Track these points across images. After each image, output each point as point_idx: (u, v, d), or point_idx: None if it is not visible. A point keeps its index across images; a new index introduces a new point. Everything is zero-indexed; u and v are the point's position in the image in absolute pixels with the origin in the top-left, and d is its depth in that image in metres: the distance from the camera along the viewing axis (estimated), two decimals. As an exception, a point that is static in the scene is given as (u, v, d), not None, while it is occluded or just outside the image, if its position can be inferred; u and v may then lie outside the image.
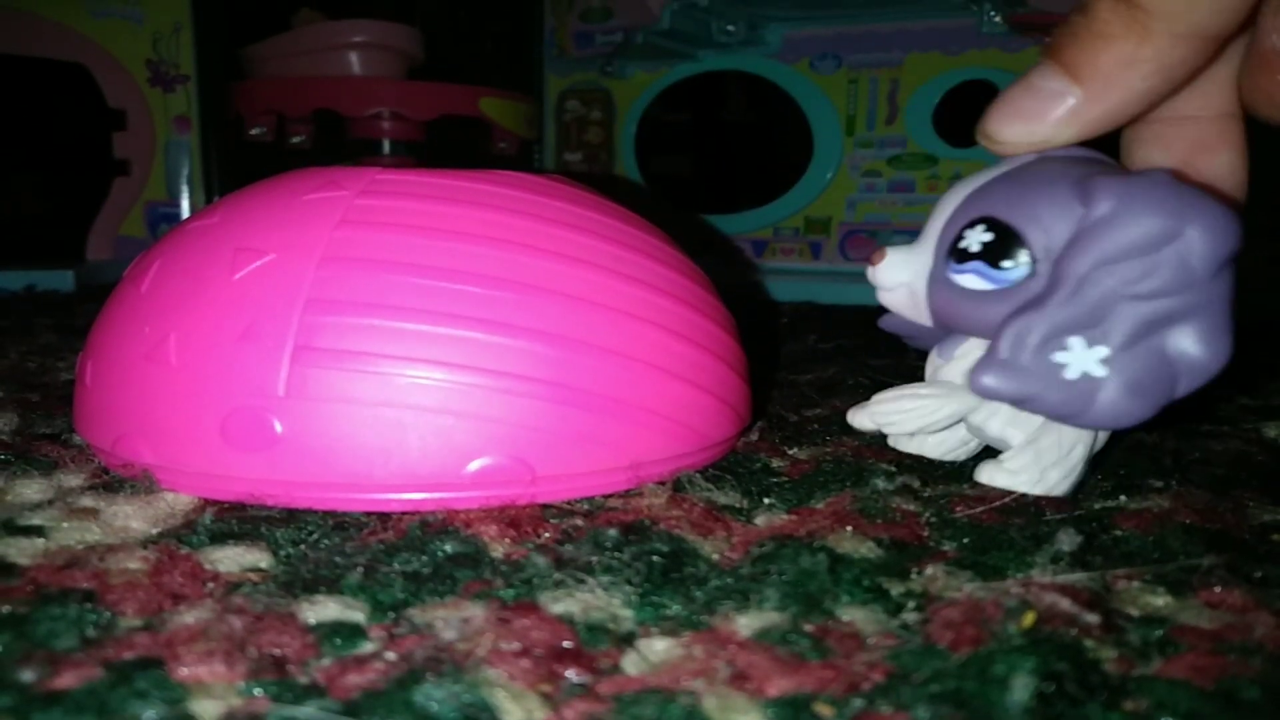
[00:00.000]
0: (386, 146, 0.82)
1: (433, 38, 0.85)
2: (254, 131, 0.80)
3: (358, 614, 0.19)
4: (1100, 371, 0.22)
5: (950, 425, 0.27)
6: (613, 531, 0.22)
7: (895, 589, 0.20)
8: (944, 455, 0.28)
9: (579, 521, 0.24)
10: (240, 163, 0.85)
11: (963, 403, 0.26)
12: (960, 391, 0.26)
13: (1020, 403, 0.23)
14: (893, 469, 0.28)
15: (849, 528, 0.23)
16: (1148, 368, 0.22)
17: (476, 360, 0.23)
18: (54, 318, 0.55)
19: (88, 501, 0.24)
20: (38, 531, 0.22)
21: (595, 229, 0.27)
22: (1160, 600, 0.20)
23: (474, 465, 0.23)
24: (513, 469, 0.23)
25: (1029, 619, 0.18)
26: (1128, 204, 0.22)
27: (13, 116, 0.92)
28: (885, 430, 0.27)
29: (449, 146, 0.86)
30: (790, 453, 0.30)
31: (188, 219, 0.28)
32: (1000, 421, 0.25)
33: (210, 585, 0.20)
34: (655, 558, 0.21)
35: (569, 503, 0.25)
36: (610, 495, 0.25)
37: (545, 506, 0.24)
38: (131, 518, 0.23)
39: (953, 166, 0.78)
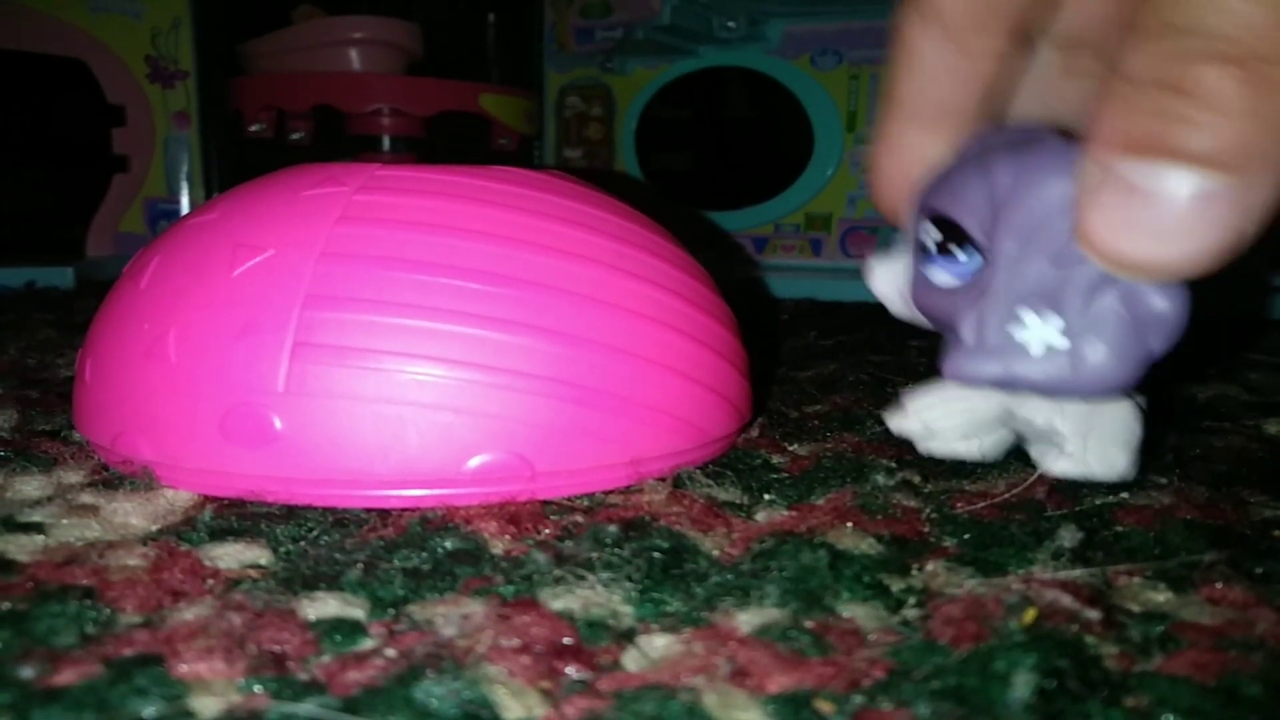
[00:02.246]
0: (386, 143, 0.82)
1: (432, 34, 0.85)
2: (253, 128, 0.80)
3: (358, 611, 0.19)
4: (1062, 342, 0.22)
5: (991, 423, 0.26)
6: (613, 528, 0.22)
7: (896, 585, 0.20)
8: (982, 455, 0.26)
9: (579, 518, 0.24)
10: (240, 159, 0.85)
11: (1000, 398, 0.25)
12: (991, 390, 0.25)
13: (1004, 384, 0.23)
14: (893, 465, 0.28)
15: (849, 524, 0.23)
16: (1111, 328, 0.22)
17: (476, 356, 0.23)
18: (54, 314, 0.55)
19: (87, 498, 0.24)
20: (37, 528, 0.22)
21: (595, 225, 0.26)
22: (1161, 596, 0.20)
23: (474, 461, 0.23)
24: (513, 465, 0.23)
25: (1030, 615, 0.18)
26: (1025, 175, 0.22)
27: (12, 113, 0.92)
28: (933, 429, 0.26)
29: (449, 143, 0.86)
30: (791, 449, 0.30)
31: (187, 215, 0.28)
32: (1047, 410, 0.24)
33: (210, 582, 0.20)
34: (655, 554, 0.21)
35: (569, 499, 0.25)
36: (610, 491, 0.25)
37: (545, 503, 0.24)
38: (131, 514, 0.23)
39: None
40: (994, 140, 0.24)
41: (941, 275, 0.24)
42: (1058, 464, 0.24)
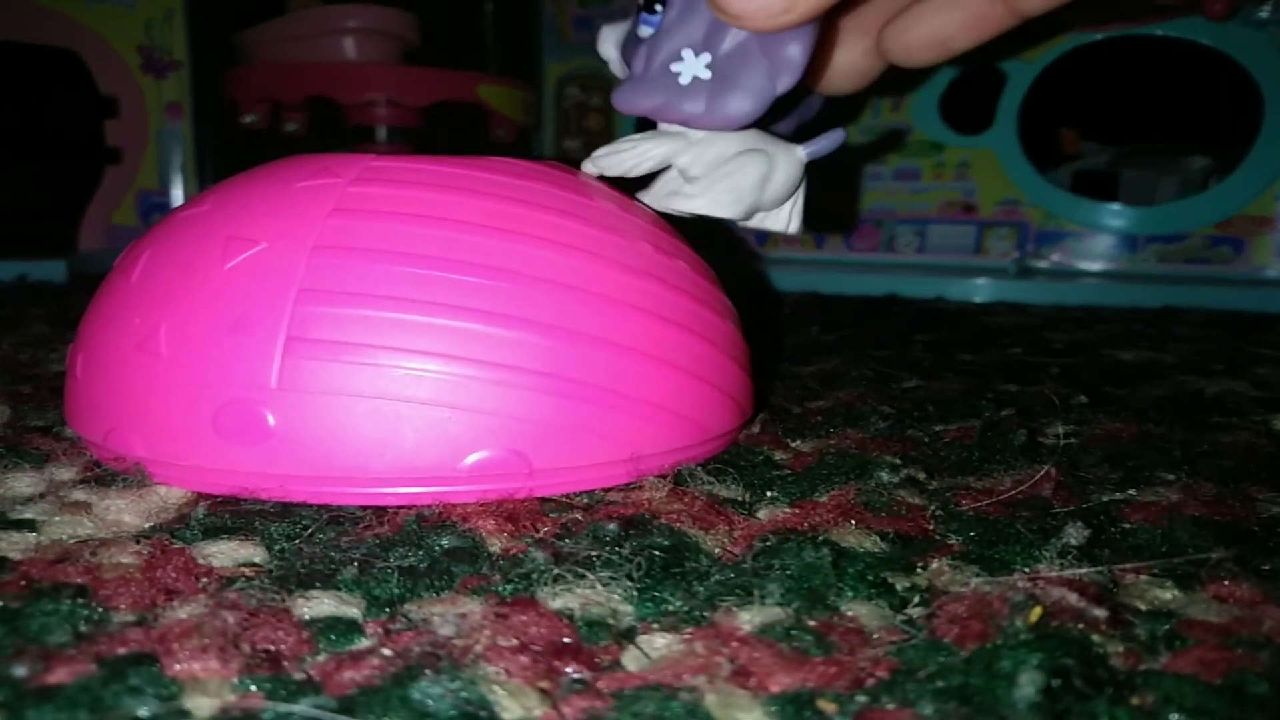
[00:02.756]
0: (383, 134, 0.82)
1: (429, 23, 0.85)
2: (247, 119, 0.79)
3: (353, 610, 0.18)
4: (706, 75, 0.26)
5: (661, 166, 0.29)
6: (612, 526, 0.22)
7: (900, 583, 0.20)
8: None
9: (578, 515, 0.23)
10: (234, 151, 0.85)
11: (672, 146, 0.28)
12: (672, 137, 0.28)
13: (656, 112, 0.27)
14: (897, 461, 0.27)
15: (853, 521, 0.23)
16: (747, 67, 0.26)
17: (472, 352, 0.23)
18: (46, 308, 0.55)
19: (80, 495, 0.24)
20: (29, 525, 0.22)
21: (594, 216, 0.26)
22: (1168, 594, 0.20)
23: (470, 459, 0.23)
24: (510, 462, 0.23)
25: (1036, 614, 0.18)
26: None
27: (3, 104, 0.91)
28: (606, 172, 0.29)
29: (446, 134, 0.86)
30: (793, 445, 0.30)
31: (178, 207, 0.27)
32: (701, 163, 0.28)
33: (204, 580, 0.20)
34: (656, 552, 0.21)
35: (568, 496, 0.25)
36: (610, 489, 0.25)
37: (544, 500, 0.24)
38: (124, 512, 0.23)
39: (959, 154, 0.77)
40: None
41: (645, 29, 0.28)
42: (674, 200, 0.29)
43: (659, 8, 0.27)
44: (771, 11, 0.25)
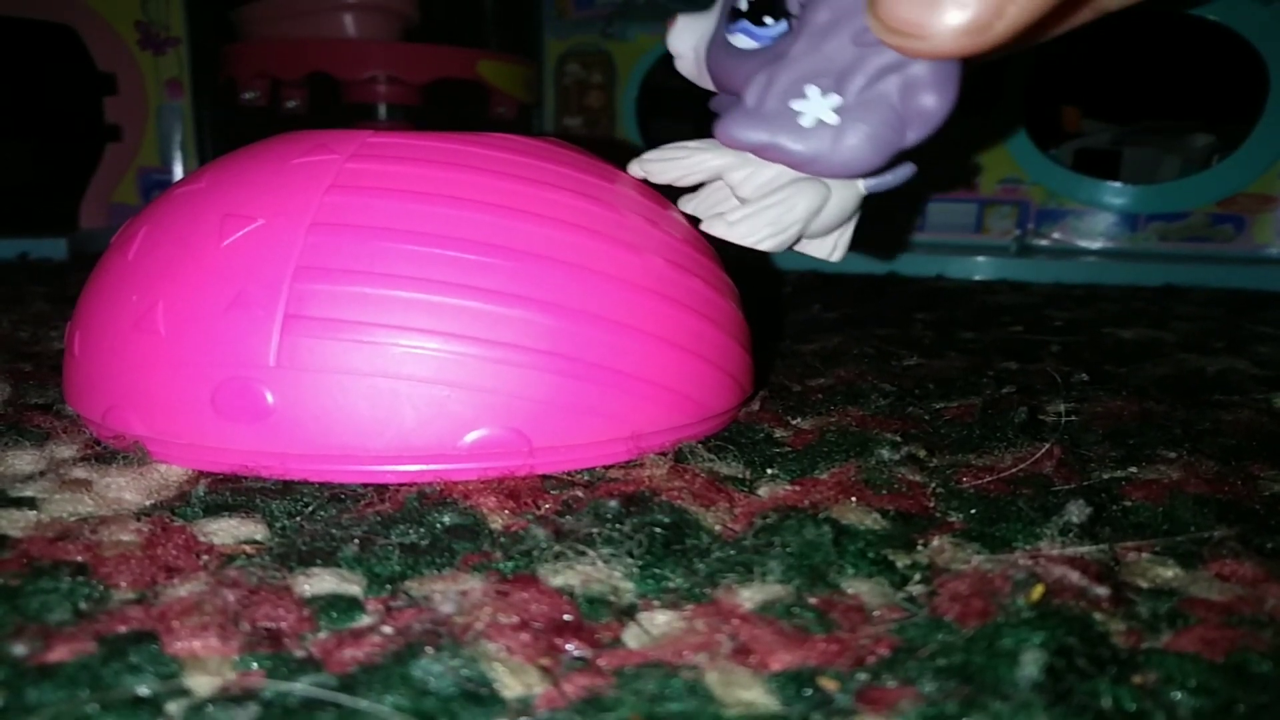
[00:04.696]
0: (382, 111, 0.81)
1: (429, -1, 0.84)
2: (247, 96, 0.79)
3: (354, 587, 0.18)
4: (833, 119, 0.24)
5: (712, 178, 0.27)
6: (613, 503, 0.22)
7: (901, 561, 0.20)
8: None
9: (579, 493, 0.23)
10: (234, 128, 0.84)
11: (727, 161, 0.26)
12: (727, 150, 0.26)
13: (762, 150, 0.25)
14: (898, 439, 0.27)
15: (853, 499, 0.23)
16: (878, 116, 0.23)
17: (472, 329, 0.23)
18: (47, 286, 0.55)
19: (80, 473, 0.24)
20: (29, 503, 0.22)
21: (594, 193, 0.26)
22: (1170, 572, 0.20)
23: (471, 436, 0.23)
24: (510, 440, 0.23)
25: (1037, 592, 0.18)
26: None
27: (3, 83, 0.91)
28: (653, 178, 0.28)
29: (446, 111, 0.85)
30: (793, 423, 0.30)
31: (175, 184, 0.27)
32: (744, 179, 0.26)
33: (205, 558, 0.20)
34: (656, 529, 0.21)
35: (569, 474, 0.25)
36: (610, 466, 0.25)
37: (545, 478, 0.24)
38: (124, 489, 0.23)
39: (961, 132, 0.77)
40: None
41: (741, 38, 0.25)
42: (714, 226, 0.26)
43: (770, 21, 0.25)
44: (969, 28, 0.21)
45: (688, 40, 0.27)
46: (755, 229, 0.26)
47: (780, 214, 0.25)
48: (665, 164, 0.27)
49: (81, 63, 0.80)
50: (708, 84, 0.27)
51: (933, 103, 0.23)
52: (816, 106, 0.24)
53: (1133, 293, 0.63)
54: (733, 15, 0.25)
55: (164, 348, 0.23)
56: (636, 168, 0.28)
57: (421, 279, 0.23)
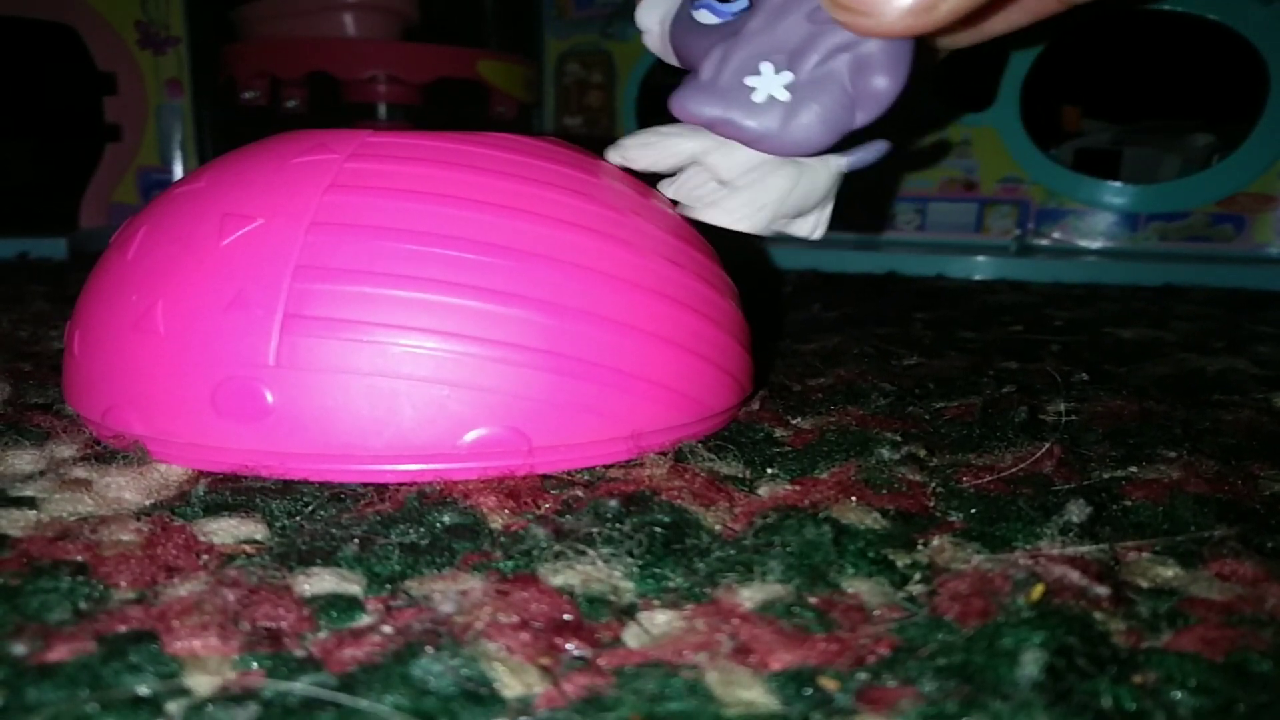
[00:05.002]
0: (382, 111, 0.81)
1: (429, -1, 0.84)
2: (247, 95, 0.79)
3: (354, 587, 0.18)
4: (784, 96, 0.24)
5: (687, 163, 0.27)
6: (613, 502, 0.22)
7: (901, 560, 0.20)
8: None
9: (579, 492, 0.23)
10: (234, 127, 0.84)
11: (701, 144, 0.26)
12: (702, 134, 0.26)
13: (715, 125, 0.25)
14: (898, 439, 0.27)
15: (854, 498, 0.23)
16: (829, 95, 0.24)
17: (471, 329, 0.23)
18: (47, 285, 0.55)
19: (80, 472, 0.24)
20: (29, 503, 0.22)
21: (594, 193, 0.26)
22: (1170, 572, 0.20)
23: (470, 436, 0.23)
24: (510, 440, 0.23)
25: (1037, 591, 0.18)
26: None
27: (3, 83, 0.91)
28: (631, 164, 0.28)
29: (446, 111, 0.85)
30: (793, 422, 0.30)
31: (175, 183, 0.27)
32: (724, 162, 0.26)
33: (205, 558, 0.20)
34: (657, 529, 0.21)
35: (569, 473, 0.24)
36: (610, 466, 0.25)
37: (545, 477, 0.24)
38: (124, 489, 0.23)
39: (961, 132, 0.77)
40: None
41: (704, 14, 0.25)
42: (694, 206, 0.27)
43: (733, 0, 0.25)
44: (915, 7, 0.22)
45: (655, 14, 0.28)
46: (732, 210, 0.26)
47: (755, 194, 0.26)
48: (642, 149, 0.27)
49: (81, 62, 0.80)
50: (673, 60, 0.28)
51: (883, 83, 0.24)
52: (769, 83, 0.24)
53: (1133, 292, 0.63)
54: None
55: (163, 347, 0.23)
56: (615, 154, 0.28)
57: (421, 278, 0.23)
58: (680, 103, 0.25)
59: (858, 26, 0.23)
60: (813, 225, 0.28)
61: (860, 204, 0.78)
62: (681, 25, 0.26)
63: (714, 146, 0.26)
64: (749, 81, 0.24)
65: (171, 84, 0.81)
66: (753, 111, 0.24)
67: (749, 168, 0.26)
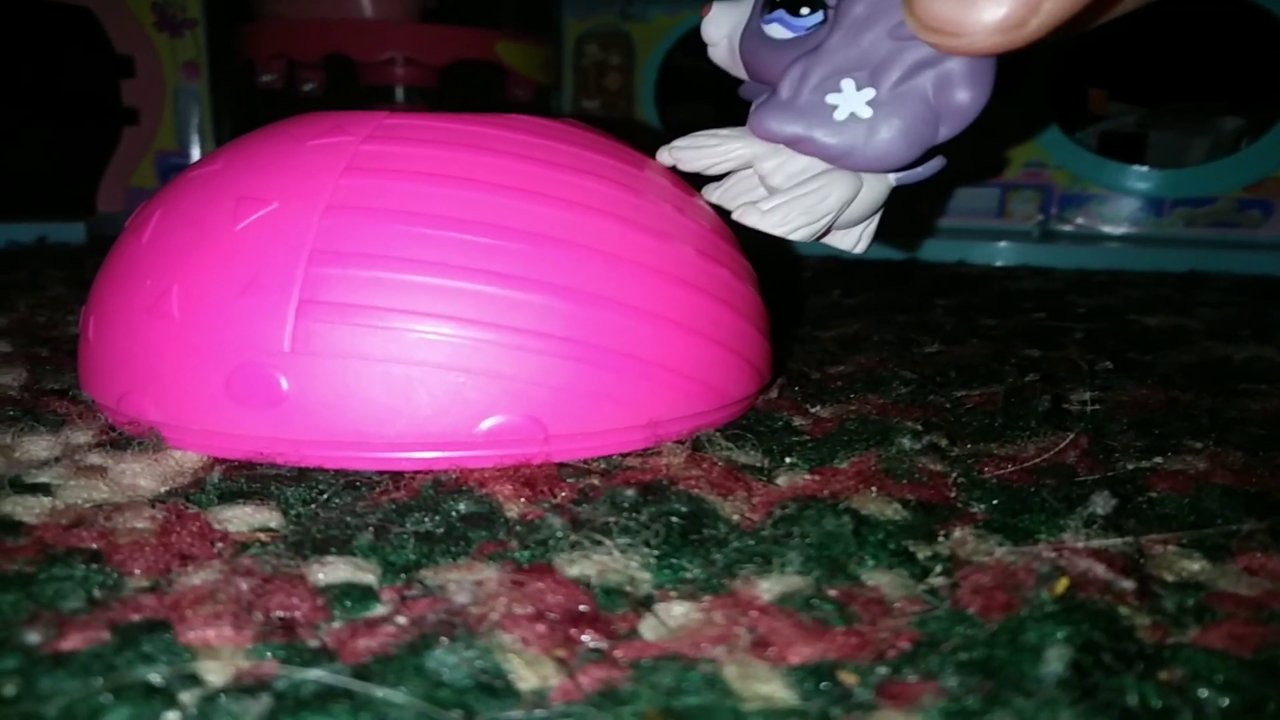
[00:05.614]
0: (400, 94, 0.81)
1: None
2: (264, 79, 0.78)
3: (369, 576, 0.18)
4: (866, 113, 0.23)
5: (742, 167, 0.27)
6: (630, 491, 0.22)
7: (922, 552, 0.20)
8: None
9: (595, 481, 0.23)
10: (251, 111, 0.84)
11: (757, 149, 0.26)
12: (759, 139, 0.26)
13: (795, 143, 0.24)
14: (919, 428, 0.27)
15: (874, 489, 0.23)
16: (912, 111, 0.23)
17: (487, 315, 0.22)
18: (64, 270, 0.55)
19: (95, 459, 0.23)
20: (44, 489, 0.22)
21: (614, 176, 0.26)
22: (1196, 565, 0.19)
23: (486, 423, 0.23)
24: (526, 427, 0.23)
25: (1062, 585, 0.18)
26: None
27: (21, 66, 0.91)
28: (682, 166, 0.27)
29: (463, 94, 0.85)
30: (812, 411, 0.30)
31: (189, 167, 0.27)
32: (775, 167, 0.26)
33: (219, 545, 0.19)
34: (674, 518, 0.21)
35: (585, 462, 0.24)
36: (627, 454, 0.25)
37: (561, 465, 0.24)
38: (139, 476, 0.23)
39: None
40: None
41: (776, 28, 0.25)
42: (747, 215, 0.26)
43: (806, 11, 0.24)
44: (1005, 24, 0.21)
45: (722, 28, 0.27)
46: (788, 218, 0.25)
47: (813, 203, 0.25)
48: (695, 151, 0.27)
49: (99, 45, 0.80)
50: (740, 72, 0.27)
51: (967, 98, 0.23)
52: (851, 100, 0.23)
53: (1157, 279, 0.62)
54: (769, 4, 0.25)
55: (178, 333, 0.23)
56: (666, 155, 0.27)
57: (438, 263, 0.22)
58: (760, 121, 0.25)
59: (946, 46, 0.22)
60: (856, 238, 0.28)
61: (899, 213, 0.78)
62: (753, 39, 0.26)
63: (769, 153, 0.26)
64: (830, 99, 0.24)
65: (189, 67, 0.81)
66: (834, 129, 0.24)
67: (805, 177, 0.25)
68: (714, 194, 0.28)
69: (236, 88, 0.84)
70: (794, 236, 0.26)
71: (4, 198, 0.82)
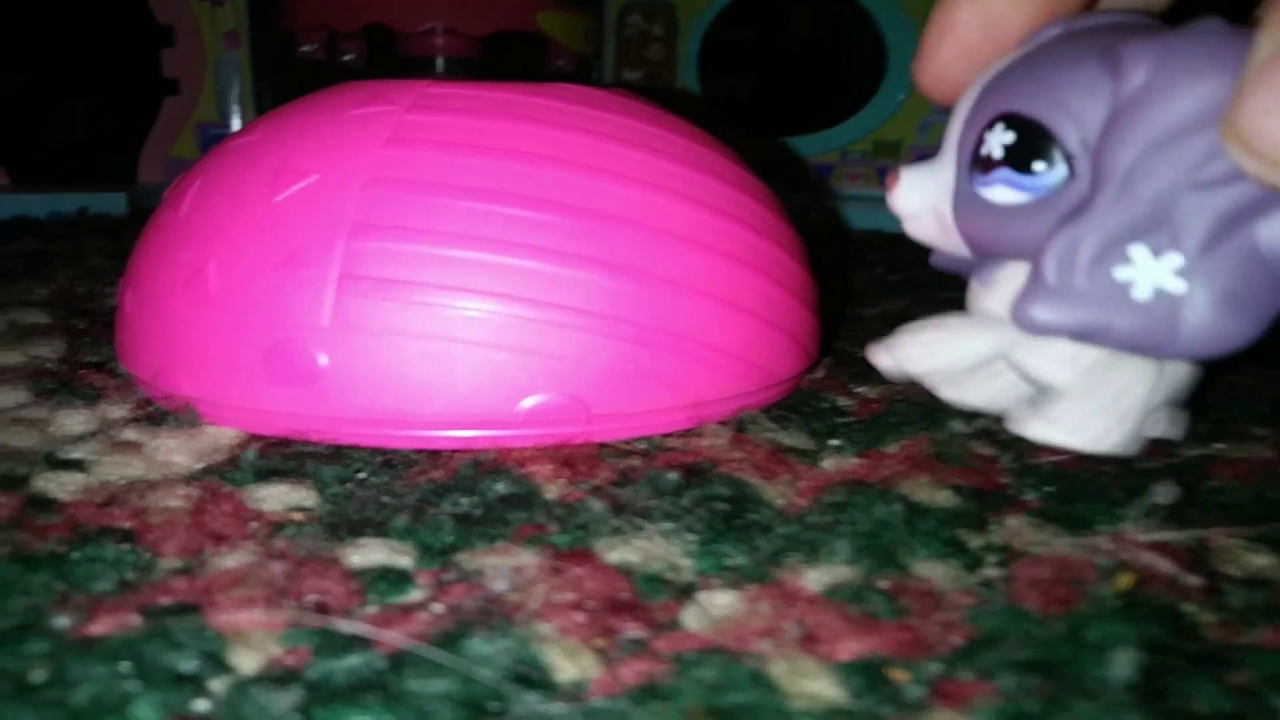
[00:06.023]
0: (440, 64, 0.80)
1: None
2: (304, 49, 0.78)
3: (405, 559, 0.18)
4: (1178, 286, 0.17)
5: (985, 364, 0.22)
6: (672, 474, 0.21)
7: (974, 542, 0.19)
8: (988, 404, 0.22)
9: (636, 462, 0.22)
10: (291, 81, 0.84)
11: (1000, 337, 0.21)
12: (999, 324, 0.21)
13: (1084, 336, 0.19)
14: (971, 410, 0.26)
15: (925, 474, 0.22)
16: (1241, 272, 0.17)
17: (530, 291, 0.22)
18: (104, 241, 0.55)
19: (131, 434, 0.23)
20: (78, 465, 0.22)
21: (660, 147, 0.25)
22: (1263, 560, 0.19)
23: (527, 402, 0.22)
24: (568, 407, 0.22)
25: (1126, 580, 0.17)
26: (1169, 68, 0.17)
27: (63, 36, 0.91)
28: (908, 369, 0.22)
29: (503, 64, 0.84)
30: (859, 391, 0.29)
31: (228, 137, 0.27)
32: (1048, 359, 0.20)
33: (254, 525, 0.19)
34: (717, 503, 0.20)
35: (626, 442, 0.24)
36: (669, 435, 0.24)
37: (602, 446, 0.23)
38: (174, 452, 0.22)
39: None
40: (1107, 24, 0.19)
41: (1004, 192, 0.20)
42: (1031, 425, 0.20)
43: (1041, 167, 0.19)
44: None
45: (922, 199, 0.22)
46: (1089, 425, 0.20)
47: (1104, 401, 0.20)
48: (923, 349, 0.22)
49: (139, 14, 0.80)
50: (956, 247, 0.22)
51: None
52: (1151, 272, 0.18)
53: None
54: (981, 163, 0.20)
55: (215, 307, 0.23)
56: (886, 358, 0.22)
57: (480, 238, 0.22)
58: (1029, 315, 0.19)
59: None
60: (1169, 421, 0.22)
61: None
62: (969, 206, 0.21)
63: (1022, 339, 0.20)
64: (1120, 274, 0.18)
65: (229, 36, 0.81)
66: (1135, 312, 0.18)
67: (1083, 365, 0.20)
68: (916, 363, 0.22)
69: (276, 59, 0.83)
70: (1101, 448, 0.20)
71: (47, 168, 0.83)
